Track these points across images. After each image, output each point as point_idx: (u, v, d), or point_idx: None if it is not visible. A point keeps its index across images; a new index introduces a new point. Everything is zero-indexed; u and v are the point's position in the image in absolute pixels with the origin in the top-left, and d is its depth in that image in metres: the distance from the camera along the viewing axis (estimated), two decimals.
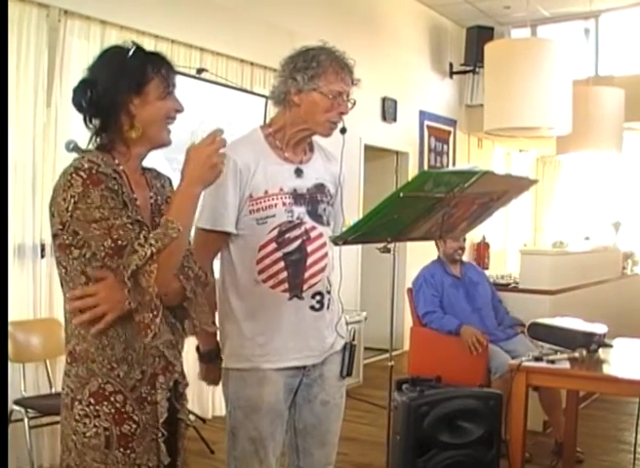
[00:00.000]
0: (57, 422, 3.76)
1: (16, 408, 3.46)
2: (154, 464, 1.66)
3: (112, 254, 1.55)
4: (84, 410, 1.60)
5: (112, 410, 1.60)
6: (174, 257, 1.57)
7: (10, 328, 3.50)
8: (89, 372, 1.62)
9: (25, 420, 3.43)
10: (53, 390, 3.76)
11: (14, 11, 3.64)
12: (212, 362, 2.23)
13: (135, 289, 1.53)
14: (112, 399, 1.61)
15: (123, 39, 4.19)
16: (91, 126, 1.70)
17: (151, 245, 1.52)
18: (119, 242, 1.54)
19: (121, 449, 1.61)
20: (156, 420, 1.65)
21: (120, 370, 1.62)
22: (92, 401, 1.60)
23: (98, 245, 1.55)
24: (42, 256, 3.89)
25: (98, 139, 1.70)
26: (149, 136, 1.70)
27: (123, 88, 1.65)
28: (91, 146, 1.70)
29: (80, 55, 4.04)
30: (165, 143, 1.74)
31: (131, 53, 1.68)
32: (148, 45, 4.17)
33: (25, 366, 3.69)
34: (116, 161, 1.68)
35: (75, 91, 1.69)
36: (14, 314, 3.60)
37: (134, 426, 1.62)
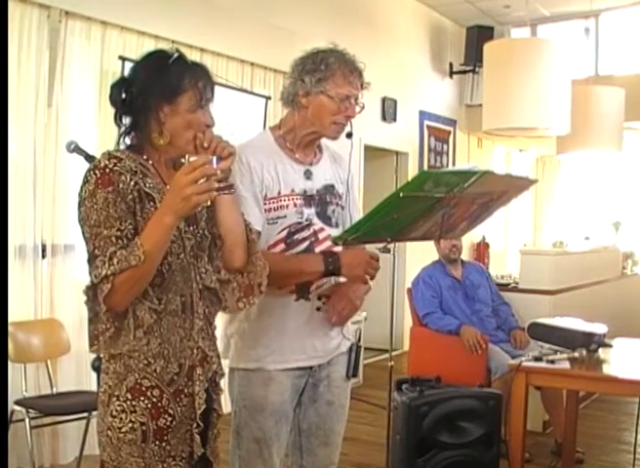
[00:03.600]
0: (57, 422, 3.78)
1: (17, 408, 3.46)
2: (187, 455, 1.70)
3: (88, 260, 1.60)
4: (121, 406, 1.63)
5: (149, 405, 1.64)
6: (130, 282, 1.56)
7: (11, 328, 3.51)
8: (126, 368, 1.65)
9: (26, 420, 3.43)
10: (54, 390, 3.77)
11: (15, 11, 3.65)
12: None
13: (92, 300, 1.58)
14: (149, 394, 1.64)
15: (124, 40, 4.26)
16: (121, 124, 1.72)
17: (111, 265, 1.54)
18: (95, 251, 1.59)
19: (157, 443, 1.64)
20: (192, 412, 1.69)
21: (157, 365, 1.65)
22: (129, 396, 1.63)
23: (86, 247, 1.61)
24: (43, 257, 3.89)
25: (126, 139, 1.73)
26: (176, 145, 1.72)
27: (156, 93, 1.67)
28: (118, 146, 1.74)
29: (81, 55, 4.05)
30: (190, 151, 1.74)
31: (171, 60, 1.70)
32: (148, 46, 4.18)
33: (26, 366, 3.69)
34: (145, 157, 1.71)
35: (112, 87, 1.72)
36: (15, 314, 3.60)
37: (169, 419, 1.65)
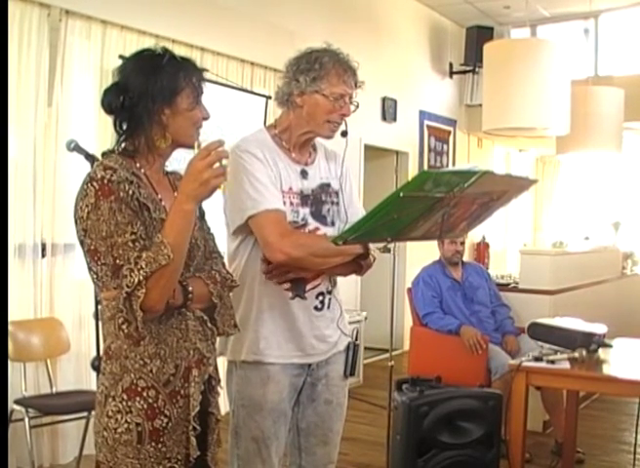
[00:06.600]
0: (57, 422, 3.78)
1: (16, 407, 3.46)
2: (183, 457, 1.68)
3: (111, 275, 1.59)
4: (117, 407, 1.62)
5: (145, 406, 1.62)
6: (163, 280, 1.56)
7: (10, 327, 3.50)
8: (122, 369, 1.64)
9: (26, 420, 3.43)
10: (53, 390, 3.77)
11: (15, 11, 3.65)
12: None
13: (130, 311, 1.56)
14: (145, 394, 1.63)
15: (124, 39, 4.26)
16: (119, 129, 1.71)
17: (141, 268, 1.53)
18: (117, 261, 1.57)
19: (152, 444, 1.63)
20: (188, 414, 1.68)
21: (153, 366, 1.64)
22: (125, 397, 1.62)
23: (103, 261, 1.59)
24: (43, 256, 3.89)
25: (123, 143, 1.72)
26: (179, 143, 1.73)
27: (157, 97, 1.66)
28: (114, 149, 1.72)
29: (81, 54, 4.05)
30: (192, 146, 1.76)
31: (165, 60, 1.69)
32: (149, 45, 4.17)
33: (26, 365, 3.69)
34: (137, 164, 1.70)
35: (106, 92, 1.70)
36: (14, 314, 3.60)
37: (165, 420, 1.64)
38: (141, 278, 1.53)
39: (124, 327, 1.58)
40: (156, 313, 1.60)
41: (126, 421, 1.62)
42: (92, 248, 1.60)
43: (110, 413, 1.63)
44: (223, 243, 2.19)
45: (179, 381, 1.67)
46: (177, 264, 1.58)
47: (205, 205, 1.70)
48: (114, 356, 1.65)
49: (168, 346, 1.66)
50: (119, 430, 1.62)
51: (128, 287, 1.53)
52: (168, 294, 1.60)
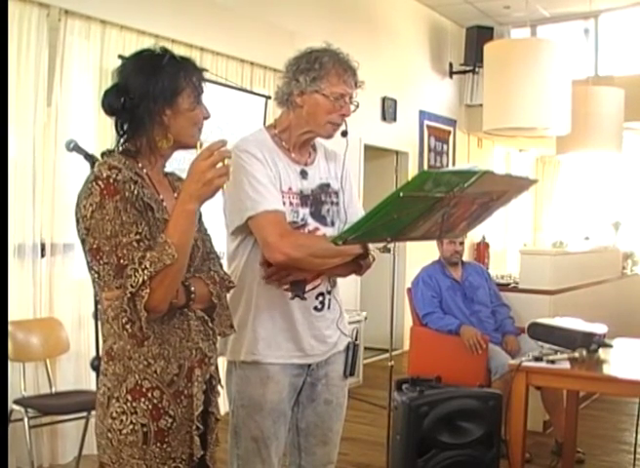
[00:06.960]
0: (56, 422, 3.78)
1: (16, 407, 3.46)
2: (187, 457, 1.69)
3: (114, 275, 1.58)
4: (121, 408, 1.62)
5: (149, 407, 1.62)
6: (167, 279, 1.56)
7: (10, 327, 3.50)
8: (126, 370, 1.63)
9: (25, 420, 3.43)
10: (53, 390, 3.76)
11: (14, 10, 3.65)
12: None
13: (134, 311, 1.56)
14: (149, 395, 1.63)
15: (123, 39, 4.26)
16: (121, 131, 1.71)
17: (145, 268, 1.53)
18: (121, 261, 1.57)
19: (158, 444, 1.63)
20: (191, 413, 1.68)
21: (157, 366, 1.64)
22: (129, 398, 1.62)
23: (105, 261, 1.59)
24: (42, 256, 3.89)
25: (124, 144, 1.72)
26: (181, 143, 1.73)
27: (158, 98, 1.66)
28: (114, 149, 1.72)
29: (80, 54, 4.05)
30: (194, 146, 1.76)
31: (165, 61, 1.69)
32: (148, 45, 4.17)
33: (25, 365, 3.69)
34: (140, 165, 1.70)
35: (106, 94, 1.70)
36: (14, 314, 3.60)
37: (170, 421, 1.64)
38: (146, 278, 1.53)
39: (128, 327, 1.58)
40: (160, 313, 1.60)
41: (131, 422, 1.61)
42: (94, 247, 1.59)
43: (115, 415, 1.62)
44: (223, 243, 2.19)
45: (182, 381, 1.67)
46: (181, 264, 1.58)
47: (204, 205, 1.70)
48: (117, 357, 1.64)
49: (171, 346, 1.66)
50: (124, 431, 1.61)
51: (132, 287, 1.53)
52: (172, 294, 1.60)
